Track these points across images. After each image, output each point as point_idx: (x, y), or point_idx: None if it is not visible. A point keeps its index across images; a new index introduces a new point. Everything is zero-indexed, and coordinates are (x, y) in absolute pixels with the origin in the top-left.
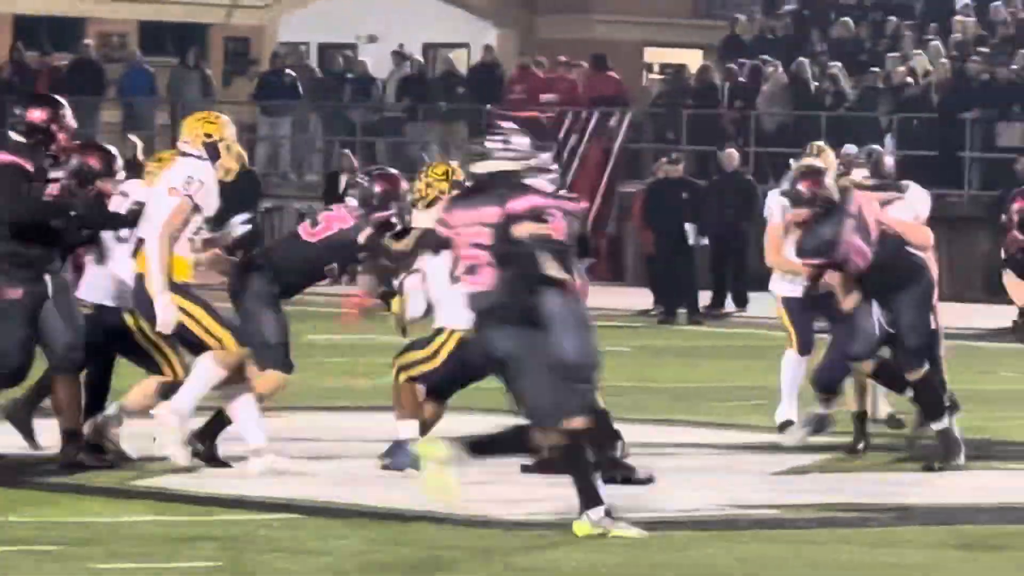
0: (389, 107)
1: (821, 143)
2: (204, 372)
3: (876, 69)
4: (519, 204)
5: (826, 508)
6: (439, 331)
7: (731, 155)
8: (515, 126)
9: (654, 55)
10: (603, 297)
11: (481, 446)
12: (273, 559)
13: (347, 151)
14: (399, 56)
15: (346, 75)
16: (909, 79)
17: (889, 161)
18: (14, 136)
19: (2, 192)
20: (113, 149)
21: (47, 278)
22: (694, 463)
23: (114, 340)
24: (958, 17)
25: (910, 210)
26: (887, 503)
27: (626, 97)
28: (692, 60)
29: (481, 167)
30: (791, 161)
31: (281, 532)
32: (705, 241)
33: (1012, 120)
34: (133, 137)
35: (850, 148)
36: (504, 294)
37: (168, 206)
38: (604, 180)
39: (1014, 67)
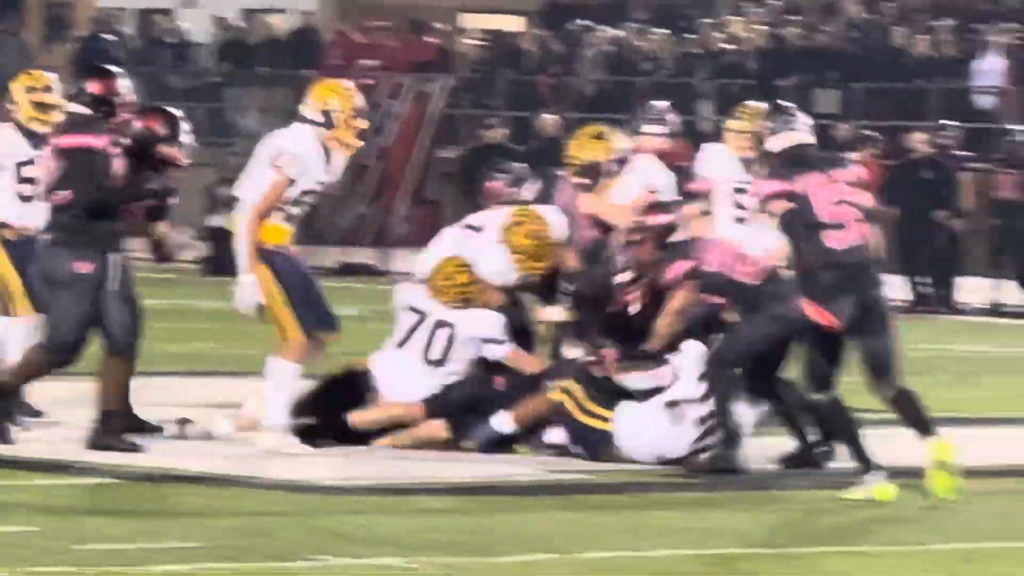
0: (208, 72)
1: (755, 104)
2: (279, 376)
3: (693, 35)
4: (863, 172)
5: (642, 473)
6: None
7: (548, 120)
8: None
9: (472, 20)
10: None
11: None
12: (91, 524)
13: None
14: (218, 21)
15: (165, 40)
16: (727, 45)
17: (672, 117)
18: (78, 108)
19: (78, 176)
20: (178, 112)
21: (112, 256)
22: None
23: None
24: None
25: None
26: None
27: (445, 63)
28: (511, 25)
29: (781, 141)
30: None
31: (100, 497)
32: None
33: (828, 87)
34: None
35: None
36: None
37: (267, 180)
38: (423, 146)
39: (827, 29)
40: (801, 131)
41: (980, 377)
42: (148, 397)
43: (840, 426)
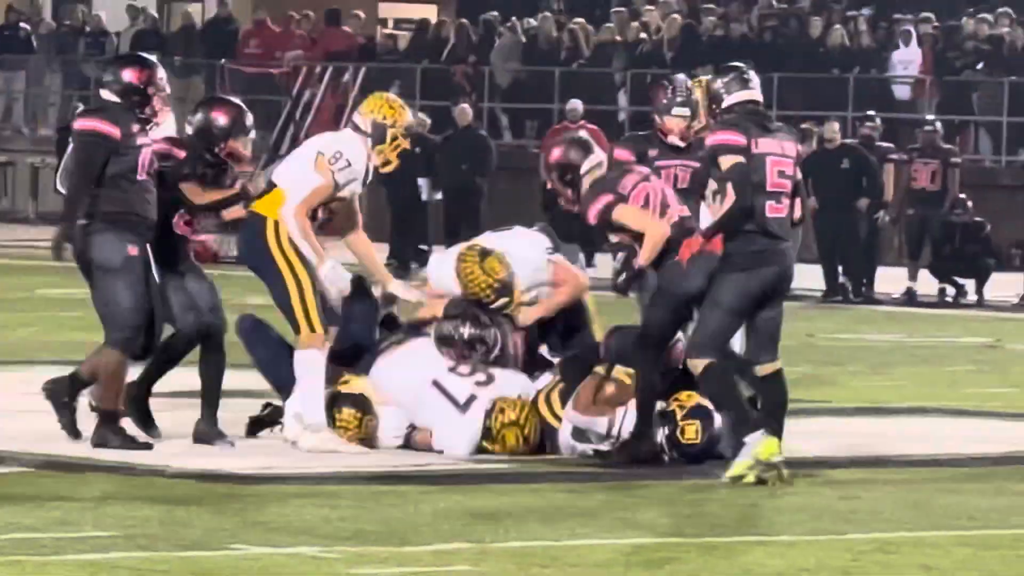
0: None
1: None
2: (308, 369)
3: (609, 25)
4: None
5: (559, 463)
6: None
7: (464, 110)
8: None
9: (389, 10)
10: (340, 251)
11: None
12: (5, 513)
13: (82, 105)
14: (133, 10)
15: (84, 28)
16: (643, 35)
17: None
18: (107, 96)
19: (76, 159)
20: (241, 103)
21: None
22: None
23: None
24: None
25: None
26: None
27: (362, 52)
28: (427, 15)
29: (736, 96)
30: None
31: (15, 486)
32: (440, 196)
33: None
34: None
35: (576, 104)
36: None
37: (312, 182)
38: None
39: (744, 18)
40: (755, 90)
41: (894, 367)
42: (14, 388)
43: (722, 394)
